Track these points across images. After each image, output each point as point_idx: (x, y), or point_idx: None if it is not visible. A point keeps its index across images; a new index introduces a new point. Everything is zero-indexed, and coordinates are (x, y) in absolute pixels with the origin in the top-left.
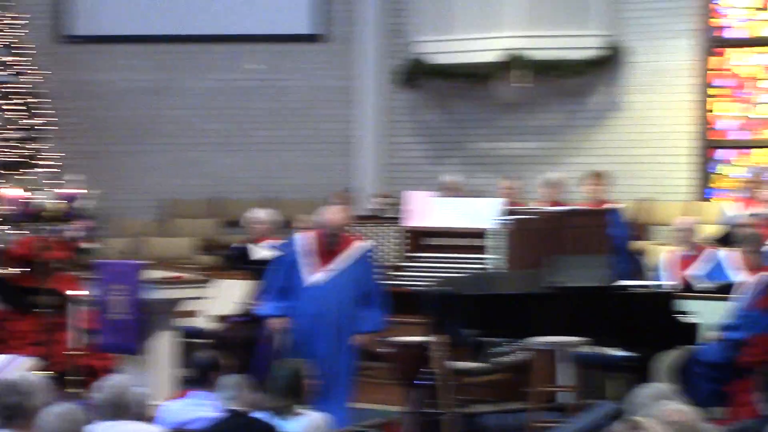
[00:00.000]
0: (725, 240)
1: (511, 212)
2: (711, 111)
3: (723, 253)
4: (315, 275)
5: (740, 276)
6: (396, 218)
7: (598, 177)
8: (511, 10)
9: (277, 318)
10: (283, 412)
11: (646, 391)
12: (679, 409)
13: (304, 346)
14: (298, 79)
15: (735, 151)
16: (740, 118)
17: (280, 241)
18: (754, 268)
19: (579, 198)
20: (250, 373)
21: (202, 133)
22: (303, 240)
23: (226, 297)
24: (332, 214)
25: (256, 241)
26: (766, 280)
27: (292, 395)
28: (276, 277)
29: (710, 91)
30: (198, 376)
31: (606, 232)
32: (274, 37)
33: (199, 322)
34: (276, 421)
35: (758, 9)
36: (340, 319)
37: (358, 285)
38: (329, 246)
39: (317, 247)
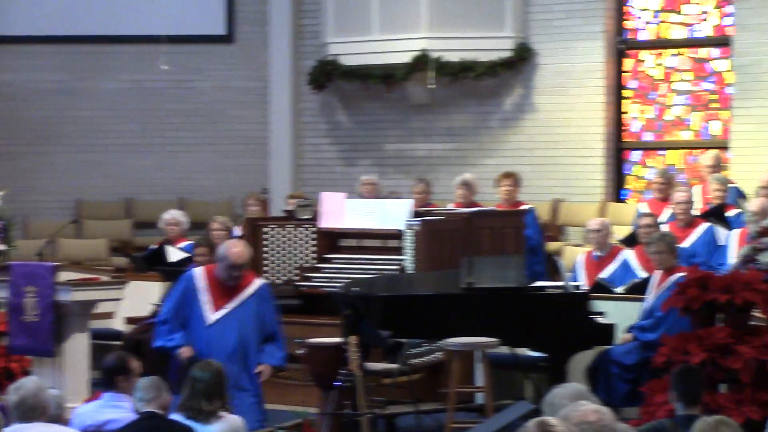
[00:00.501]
0: (633, 241)
1: (420, 214)
2: (625, 113)
3: (630, 253)
4: (215, 312)
5: (651, 277)
6: (311, 219)
7: (512, 178)
8: (423, 12)
9: (185, 347)
10: (203, 414)
11: (562, 391)
12: (595, 409)
13: None
14: (210, 80)
15: (649, 153)
16: (653, 119)
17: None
18: (664, 269)
19: (494, 199)
20: (165, 376)
21: (113, 135)
22: (201, 274)
23: (140, 299)
24: (237, 250)
25: (172, 242)
26: (676, 281)
27: (213, 397)
28: (175, 309)
29: (623, 93)
30: (108, 379)
31: (521, 233)
32: (184, 38)
33: (115, 324)
34: (194, 424)
35: (669, 11)
36: (241, 357)
37: (257, 322)
38: (230, 282)
39: (216, 283)
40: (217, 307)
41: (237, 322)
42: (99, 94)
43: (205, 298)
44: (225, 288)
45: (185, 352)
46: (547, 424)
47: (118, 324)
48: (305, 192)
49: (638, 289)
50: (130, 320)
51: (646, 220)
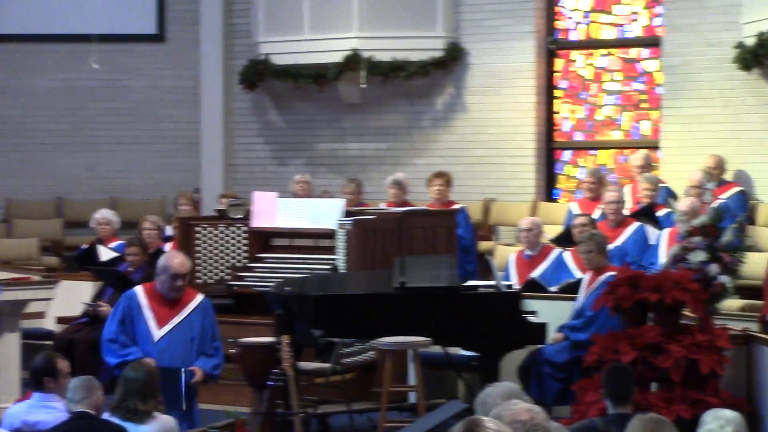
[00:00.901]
0: (569, 240)
1: (352, 213)
2: (556, 113)
3: (566, 253)
4: (160, 328)
5: (582, 276)
6: (243, 219)
7: (443, 178)
8: (354, 12)
9: (147, 359)
10: (137, 414)
11: (495, 390)
12: (527, 408)
13: None
14: (141, 79)
15: (580, 152)
16: (584, 119)
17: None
18: (594, 269)
19: (426, 199)
20: (97, 375)
21: (44, 134)
22: (142, 291)
23: (72, 298)
24: (179, 260)
25: (103, 242)
26: (606, 281)
27: (147, 397)
28: (119, 327)
29: (554, 93)
30: (36, 379)
31: (453, 233)
32: (115, 37)
33: (46, 324)
34: (128, 425)
35: (599, 11)
36: (185, 370)
37: (200, 335)
38: (172, 294)
39: (158, 298)
40: (162, 323)
41: (182, 337)
42: (29, 93)
43: (149, 314)
44: (167, 302)
45: (150, 363)
46: (477, 423)
47: (49, 324)
48: (237, 191)
49: (572, 289)
50: (61, 320)
51: (581, 220)
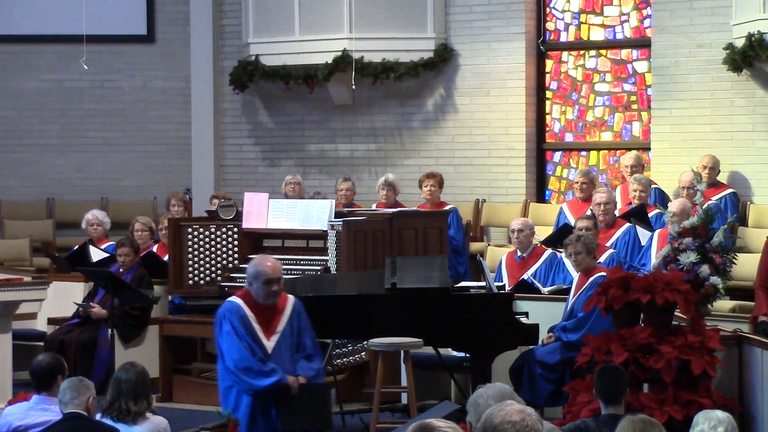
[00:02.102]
0: (560, 241)
1: (342, 214)
2: (547, 114)
3: (559, 254)
4: (269, 339)
5: (574, 277)
6: (234, 220)
7: (435, 178)
8: (344, 13)
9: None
10: (130, 415)
11: (488, 391)
12: (519, 409)
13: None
14: (131, 80)
15: (570, 153)
16: (575, 120)
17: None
18: (583, 270)
19: (417, 200)
20: (88, 376)
21: (35, 134)
22: (241, 303)
23: (63, 299)
24: (270, 264)
25: (95, 242)
26: (595, 281)
27: (139, 398)
28: (245, 346)
29: (544, 94)
30: (40, 380)
31: (444, 234)
32: (106, 38)
33: (38, 325)
34: (120, 426)
35: (589, 13)
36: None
37: (299, 339)
38: (269, 300)
39: (257, 308)
40: (269, 334)
41: (287, 345)
42: (20, 94)
43: (257, 327)
44: (266, 310)
45: (298, 380)
46: (429, 427)
47: (41, 325)
48: (227, 192)
49: (564, 291)
50: (53, 321)
51: (585, 223)
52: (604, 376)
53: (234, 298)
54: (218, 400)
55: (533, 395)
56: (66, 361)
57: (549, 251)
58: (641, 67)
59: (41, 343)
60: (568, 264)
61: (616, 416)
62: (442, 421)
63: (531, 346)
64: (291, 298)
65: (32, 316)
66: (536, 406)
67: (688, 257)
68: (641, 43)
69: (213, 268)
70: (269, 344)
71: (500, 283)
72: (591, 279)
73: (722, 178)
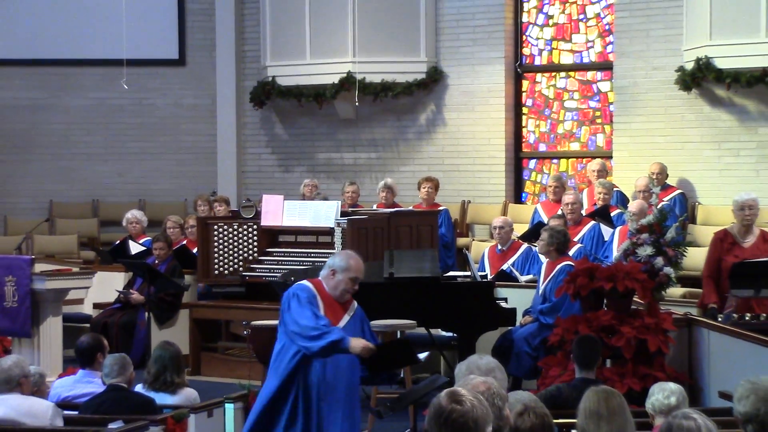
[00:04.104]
0: (535, 236)
1: (347, 213)
2: (523, 127)
3: (534, 248)
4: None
5: (546, 267)
6: (254, 218)
7: (432, 182)
8: (349, 40)
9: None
10: (173, 386)
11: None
12: (483, 380)
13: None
14: (165, 98)
15: (544, 161)
16: (547, 133)
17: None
18: (553, 260)
19: (412, 201)
20: (130, 353)
21: (82, 145)
22: (313, 287)
23: (106, 287)
24: (360, 263)
25: (134, 238)
26: (562, 268)
27: (180, 371)
28: (317, 313)
29: (522, 110)
30: (83, 357)
31: (435, 231)
32: (142, 62)
33: (84, 309)
34: (163, 395)
35: (560, 40)
36: (350, 378)
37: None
38: (344, 297)
39: (327, 297)
40: (335, 320)
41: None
42: (69, 110)
43: (324, 309)
44: (334, 305)
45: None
46: (456, 394)
47: (87, 309)
48: (250, 195)
49: (536, 279)
50: (97, 306)
51: (556, 221)
52: (581, 343)
53: (307, 283)
54: (240, 374)
55: (514, 369)
56: (108, 340)
57: (525, 245)
58: (605, 86)
59: (87, 325)
60: (542, 256)
61: (588, 380)
62: (469, 392)
63: (510, 327)
64: (355, 303)
65: (80, 301)
66: (517, 379)
67: (645, 250)
68: (605, 66)
69: (236, 260)
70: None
71: (483, 273)
72: (558, 266)
73: (673, 182)
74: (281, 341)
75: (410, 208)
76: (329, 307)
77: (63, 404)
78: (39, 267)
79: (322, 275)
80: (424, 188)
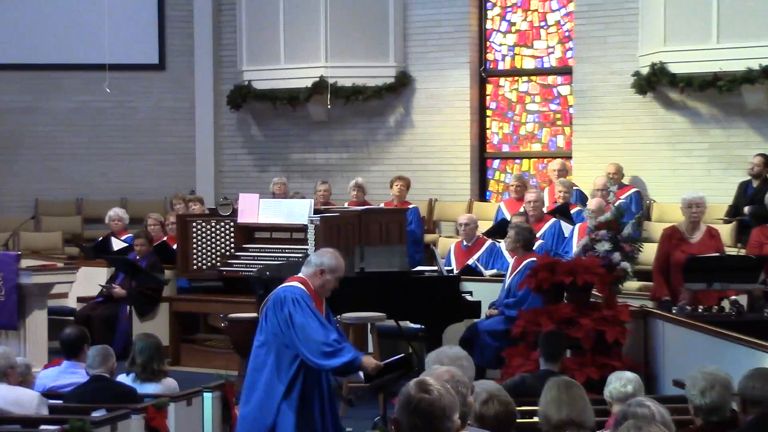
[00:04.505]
0: (498, 233)
1: (319, 211)
2: (488, 129)
3: (497, 244)
4: None
5: (510, 262)
6: (231, 216)
7: (404, 181)
8: (321, 45)
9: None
10: (156, 374)
11: (440, 355)
12: (446, 369)
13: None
14: (146, 101)
15: (507, 161)
16: (510, 134)
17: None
18: (519, 256)
19: (382, 199)
20: (112, 345)
21: (66, 146)
22: (305, 289)
23: (90, 281)
24: (343, 262)
25: (116, 235)
26: (528, 265)
27: (161, 360)
28: (323, 321)
29: (486, 113)
30: (67, 348)
31: (403, 228)
32: (124, 66)
33: (69, 303)
34: (146, 385)
35: (522, 46)
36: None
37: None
38: (328, 294)
39: (315, 297)
40: None
41: None
42: (54, 113)
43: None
44: (318, 300)
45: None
46: (425, 383)
47: (71, 302)
48: (227, 193)
49: (500, 273)
50: (81, 299)
51: (518, 219)
52: (548, 338)
53: (297, 284)
54: (218, 365)
55: (479, 359)
56: (91, 332)
57: (489, 241)
58: (565, 90)
59: (71, 318)
60: (505, 252)
61: (552, 372)
62: (436, 381)
63: (475, 320)
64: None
65: (64, 295)
66: (482, 368)
67: (603, 246)
68: (564, 70)
69: (213, 256)
70: None
71: (449, 268)
72: (524, 262)
73: (629, 181)
74: (270, 344)
75: (381, 205)
76: (316, 304)
77: (48, 394)
78: (25, 262)
79: (307, 273)
80: (396, 186)
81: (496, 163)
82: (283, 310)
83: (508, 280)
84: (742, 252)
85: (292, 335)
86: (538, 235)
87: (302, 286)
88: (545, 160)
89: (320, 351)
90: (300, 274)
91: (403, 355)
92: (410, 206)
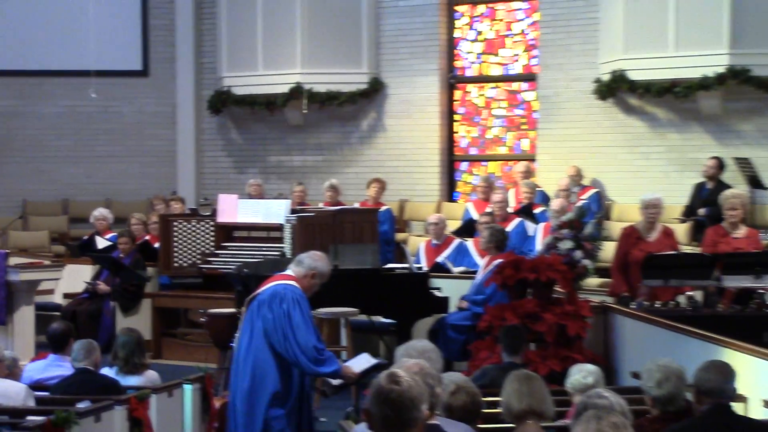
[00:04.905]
0: (466, 232)
1: (295, 211)
2: (456, 132)
3: (469, 242)
4: None
5: (478, 261)
6: (210, 215)
7: (379, 182)
8: (298, 53)
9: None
10: (139, 367)
11: (418, 344)
12: (415, 362)
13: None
14: (130, 105)
15: (474, 164)
16: (477, 138)
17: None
18: (488, 255)
19: (359, 199)
20: (96, 339)
21: (53, 148)
22: (301, 290)
23: (75, 278)
24: (329, 266)
25: (100, 233)
26: (496, 264)
27: (143, 353)
28: (315, 329)
29: (455, 117)
30: (53, 342)
31: (375, 227)
32: (109, 72)
33: (55, 299)
34: (129, 378)
35: (489, 53)
36: None
37: None
38: (308, 296)
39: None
40: None
41: None
42: (41, 117)
43: None
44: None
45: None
46: (395, 375)
47: (57, 298)
48: (207, 194)
49: (467, 270)
50: (67, 295)
51: (485, 218)
52: (508, 332)
53: (294, 284)
54: (197, 357)
55: (446, 352)
56: (77, 327)
57: (457, 240)
58: (529, 96)
59: (58, 313)
60: (473, 250)
61: (514, 364)
62: (406, 373)
63: (443, 314)
64: None
65: (50, 291)
66: (449, 361)
67: (566, 245)
68: (529, 77)
69: (194, 254)
70: None
71: (419, 265)
72: (495, 262)
73: (590, 183)
74: (262, 341)
75: (356, 205)
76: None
77: (35, 386)
78: (13, 260)
79: (298, 273)
80: (373, 188)
81: (463, 165)
82: (281, 305)
83: (479, 278)
84: (697, 250)
85: (287, 332)
86: None
87: (299, 286)
88: (511, 163)
89: (313, 357)
90: (290, 272)
91: (377, 362)
92: (384, 207)
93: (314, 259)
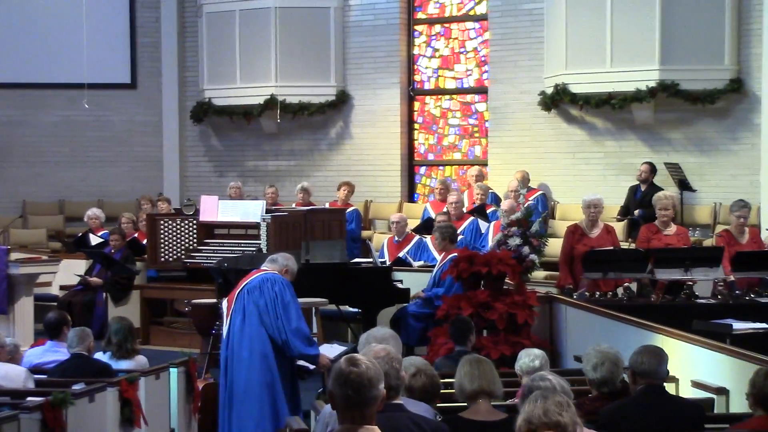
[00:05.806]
0: (425, 230)
1: (270, 210)
2: (416, 140)
3: (428, 239)
4: None
5: (436, 256)
6: (193, 215)
7: (349, 186)
8: (272, 67)
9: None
10: (131, 352)
11: (379, 332)
12: (382, 347)
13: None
14: (120, 115)
15: (432, 168)
16: (435, 144)
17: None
18: (444, 250)
19: (329, 200)
20: (90, 327)
21: (50, 154)
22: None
23: (70, 272)
24: (293, 260)
25: (93, 231)
26: (451, 258)
27: (134, 339)
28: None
29: (414, 126)
30: (51, 330)
31: (343, 226)
32: (101, 85)
33: (52, 290)
34: (122, 362)
35: (445, 68)
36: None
37: None
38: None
39: None
40: None
41: None
42: (40, 125)
43: None
44: None
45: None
46: (354, 358)
47: (54, 290)
48: (190, 196)
49: (426, 264)
50: (63, 287)
51: (442, 217)
52: (455, 323)
53: (280, 276)
54: (182, 343)
55: (407, 338)
56: (72, 316)
57: (417, 237)
58: (481, 107)
59: (54, 303)
60: (431, 246)
61: (464, 352)
62: (364, 357)
63: (404, 304)
64: None
65: (48, 284)
66: (409, 346)
67: (515, 241)
68: (481, 90)
69: (179, 249)
70: None
71: (383, 260)
72: (449, 256)
73: (536, 185)
74: (257, 321)
75: (326, 206)
76: None
77: (34, 370)
78: (14, 255)
79: (273, 269)
80: (343, 190)
81: (422, 169)
82: (273, 288)
83: (436, 270)
84: (633, 246)
85: (279, 311)
86: (459, 231)
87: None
88: (465, 167)
89: (304, 336)
90: (265, 268)
91: (347, 348)
92: (352, 208)
93: (286, 258)
